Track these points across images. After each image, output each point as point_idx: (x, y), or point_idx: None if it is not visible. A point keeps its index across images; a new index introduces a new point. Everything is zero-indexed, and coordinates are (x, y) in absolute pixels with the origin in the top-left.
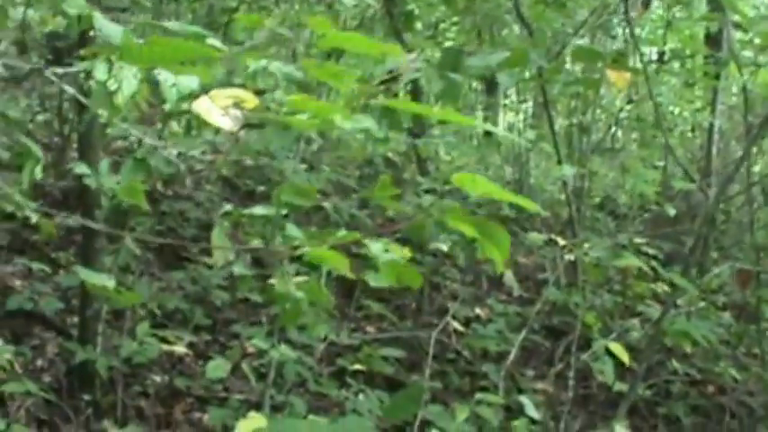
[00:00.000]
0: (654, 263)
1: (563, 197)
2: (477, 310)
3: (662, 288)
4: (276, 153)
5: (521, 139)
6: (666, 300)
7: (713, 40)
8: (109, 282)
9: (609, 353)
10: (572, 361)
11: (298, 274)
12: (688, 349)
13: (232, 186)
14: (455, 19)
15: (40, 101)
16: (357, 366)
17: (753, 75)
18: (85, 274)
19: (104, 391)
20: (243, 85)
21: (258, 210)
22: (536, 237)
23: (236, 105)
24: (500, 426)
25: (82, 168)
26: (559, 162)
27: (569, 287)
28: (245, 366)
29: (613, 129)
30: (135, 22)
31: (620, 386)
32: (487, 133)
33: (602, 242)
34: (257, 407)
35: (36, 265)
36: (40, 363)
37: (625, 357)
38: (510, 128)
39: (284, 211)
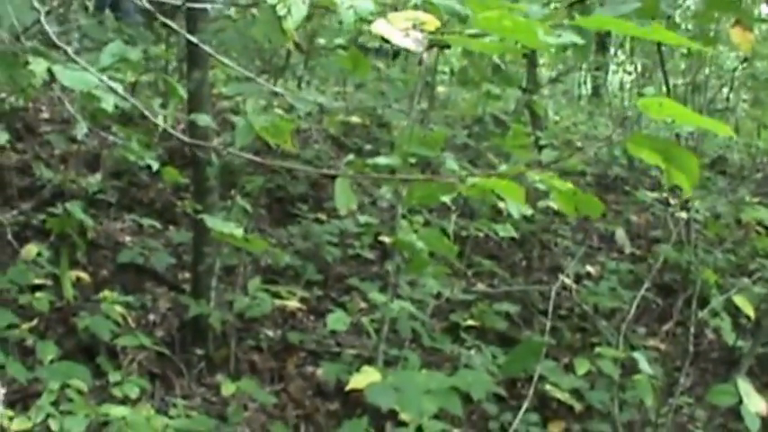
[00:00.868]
0: None
1: None
2: (589, 268)
3: None
4: (386, 111)
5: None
6: None
7: None
8: (237, 230)
9: (726, 310)
10: (692, 317)
11: (415, 231)
12: None
13: (339, 145)
14: None
15: (145, 61)
16: (470, 322)
17: None
18: (213, 222)
19: (217, 346)
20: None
21: (382, 160)
22: (648, 194)
23: (416, 27)
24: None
25: (204, 120)
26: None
27: (681, 244)
28: (363, 320)
29: (726, 89)
30: None
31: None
32: (596, 92)
33: (718, 199)
34: (370, 361)
35: (146, 222)
36: (152, 317)
37: (750, 311)
38: (620, 87)
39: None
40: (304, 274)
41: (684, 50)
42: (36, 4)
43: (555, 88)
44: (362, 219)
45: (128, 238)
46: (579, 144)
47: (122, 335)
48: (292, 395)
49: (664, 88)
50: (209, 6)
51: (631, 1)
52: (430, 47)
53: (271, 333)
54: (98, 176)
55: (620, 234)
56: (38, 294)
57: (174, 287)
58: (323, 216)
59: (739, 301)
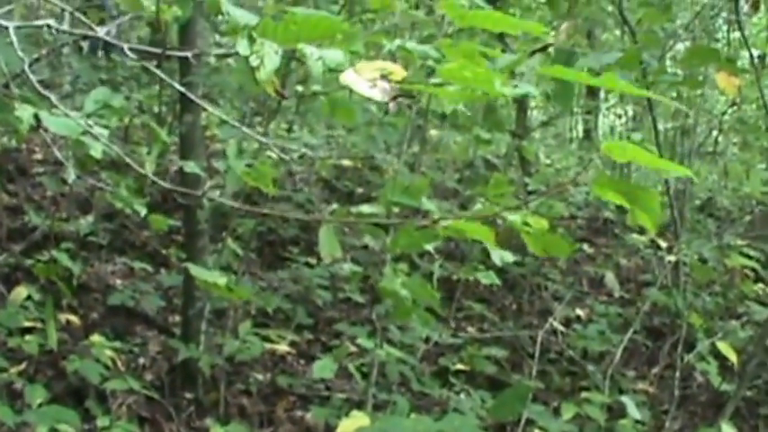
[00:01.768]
0: (755, 264)
1: (664, 199)
2: (578, 311)
3: (763, 289)
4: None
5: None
6: None
7: None
8: (220, 279)
9: (713, 354)
10: (677, 361)
11: (408, 274)
12: None
13: (331, 188)
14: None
15: (139, 104)
16: (459, 366)
17: None
18: (196, 271)
19: (207, 389)
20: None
21: (366, 208)
22: (637, 238)
23: (384, 77)
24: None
25: (192, 167)
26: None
27: (670, 288)
28: (350, 366)
29: (715, 132)
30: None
31: (722, 386)
32: (587, 136)
33: (705, 243)
34: (360, 405)
35: (137, 264)
36: (142, 361)
37: (733, 357)
38: (611, 130)
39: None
40: (294, 317)
41: (674, 94)
42: (20, 54)
43: (546, 131)
44: (348, 267)
45: (118, 281)
46: (570, 188)
47: (112, 378)
48: None
49: (653, 132)
50: (189, 54)
51: (614, 51)
52: (395, 97)
53: (260, 377)
54: (89, 219)
55: (610, 277)
56: (27, 337)
57: (164, 330)
58: (314, 259)
59: (723, 347)
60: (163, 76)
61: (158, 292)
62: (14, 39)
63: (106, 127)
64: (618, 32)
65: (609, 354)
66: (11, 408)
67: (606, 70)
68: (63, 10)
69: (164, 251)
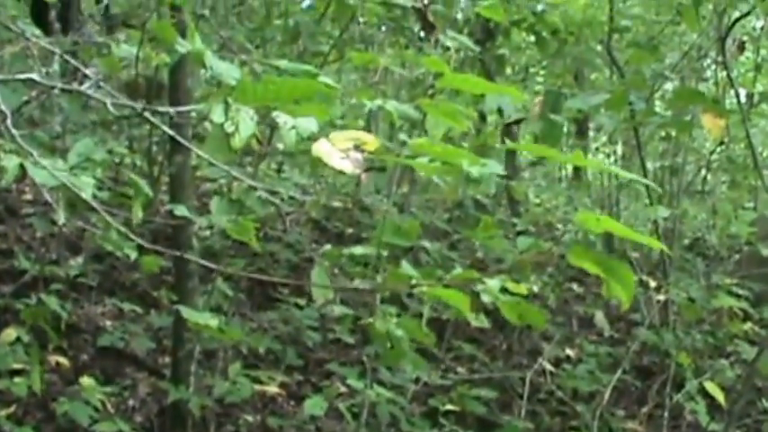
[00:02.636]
0: (744, 303)
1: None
2: (568, 351)
3: (751, 328)
4: (367, 195)
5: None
6: (760, 340)
7: None
8: (211, 320)
9: (702, 393)
10: (666, 400)
11: (399, 315)
12: None
13: (321, 229)
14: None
15: (129, 143)
16: (449, 407)
17: None
18: (188, 313)
19: (197, 431)
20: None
21: (358, 249)
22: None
23: (357, 148)
24: None
25: (181, 210)
26: (651, 203)
27: (660, 327)
28: (340, 406)
29: (703, 171)
30: (243, 59)
31: (712, 426)
32: (577, 175)
33: (694, 283)
34: None
35: (127, 306)
36: (131, 402)
37: (721, 397)
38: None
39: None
40: (284, 358)
41: (663, 134)
42: (3, 107)
43: (535, 171)
44: (339, 308)
45: (108, 322)
46: (560, 227)
47: (101, 420)
48: None
49: (642, 171)
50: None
51: (602, 92)
52: (368, 169)
53: (250, 418)
54: (79, 260)
55: (599, 317)
56: (16, 379)
57: (153, 372)
58: (304, 300)
59: (710, 387)
60: (152, 119)
61: (148, 334)
62: None
63: (94, 177)
64: (607, 72)
65: (598, 393)
66: None
67: (594, 111)
68: (52, 52)
69: (154, 292)
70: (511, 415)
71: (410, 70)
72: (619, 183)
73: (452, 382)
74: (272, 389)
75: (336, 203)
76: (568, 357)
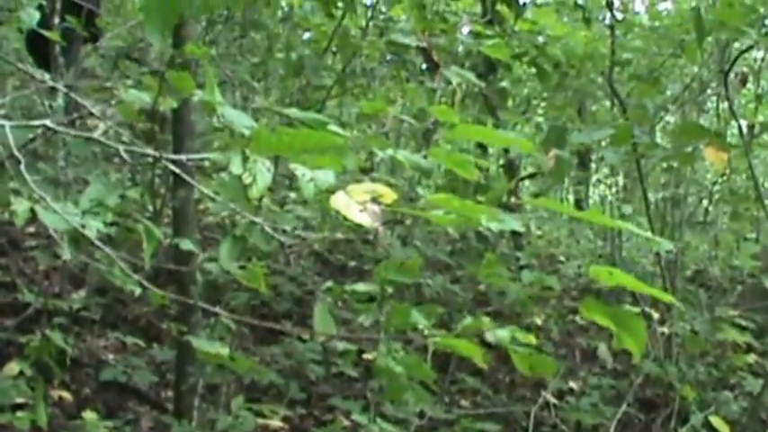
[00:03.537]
0: (747, 335)
1: (656, 270)
2: (571, 383)
3: (755, 360)
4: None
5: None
6: (764, 372)
7: None
8: (223, 350)
9: (707, 426)
10: None
11: (403, 347)
12: None
13: (324, 261)
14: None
15: (132, 176)
16: None
17: None
18: (198, 343)
19: None
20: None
21: (361, 287)
22: (630, 309)
23: (374, 200)
24: None
25: (186, 244)
26: (653, 234)
27: (664, 360)
28: None
29: (705, 202)
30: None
31: None
32: (579, 207)
33: (698, 315)
34: None
35: (130, 339)
36: None
37: (726, 431)
38: (602, 201)
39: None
40: (287, 392)
41: (664, 165)
42: (15, 152)
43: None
44: (342, 343)
45: (111, 356)
46: (562, 258)
47: None
48: None
49: (644, 202)
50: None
51: (605, 126)
52: (386, 222)
53: None
54: (82, 293)
55: (603, 349)
56: (19, 414)
57: (156, 406)
58: (307, 333)
59: (715, 421)
60: (154, 153)
61: (151, 367)
62: (10, 137)
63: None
64: (608, 104)
65: (602, 426)
66: None
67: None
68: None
69: (157, 325)
70: None
71: (419, 119)
72: (621, 214)
73: (456, 416)
74: (275, 423)
75: (339, 235)
76: (572, 390)
